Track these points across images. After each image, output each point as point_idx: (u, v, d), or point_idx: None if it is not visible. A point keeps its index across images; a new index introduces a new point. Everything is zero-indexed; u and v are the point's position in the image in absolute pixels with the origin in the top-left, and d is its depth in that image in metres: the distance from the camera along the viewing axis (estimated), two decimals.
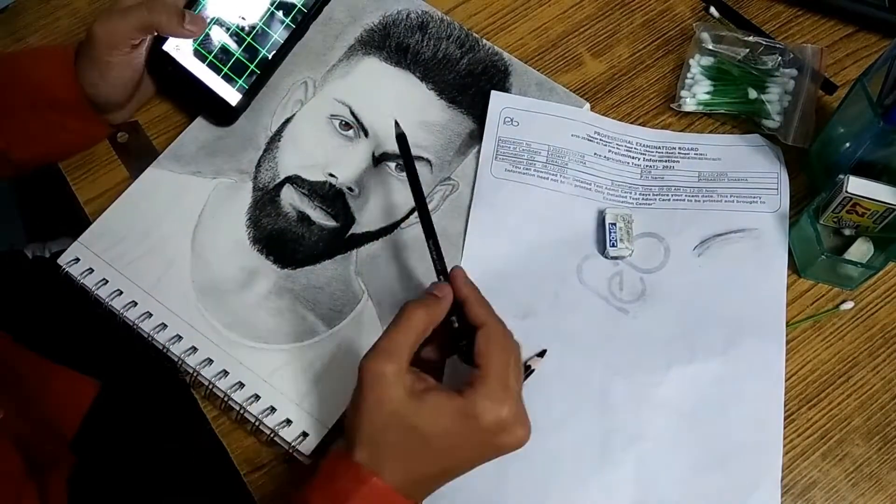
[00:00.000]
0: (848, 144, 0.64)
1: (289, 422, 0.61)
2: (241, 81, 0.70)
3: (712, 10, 0.76)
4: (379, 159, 0.69)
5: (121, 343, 0.65)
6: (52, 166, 0.71)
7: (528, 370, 0.62)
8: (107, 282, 0.65)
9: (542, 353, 0.63)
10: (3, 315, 0.72)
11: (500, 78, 0.72)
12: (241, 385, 0.62)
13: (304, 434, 0.60)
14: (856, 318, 0.65)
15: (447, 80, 0.72)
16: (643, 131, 0.71)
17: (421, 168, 0.69)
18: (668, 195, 0.68)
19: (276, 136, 0.70)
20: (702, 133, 0.71)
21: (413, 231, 0.67)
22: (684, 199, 0.68)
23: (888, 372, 0.64)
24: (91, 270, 0.66)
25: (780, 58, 0.71)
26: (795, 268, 0.66)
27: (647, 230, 0.67)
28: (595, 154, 0.70)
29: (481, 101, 0.71)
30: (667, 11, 0.77)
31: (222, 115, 0.70)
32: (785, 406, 0.61)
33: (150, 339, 0.64)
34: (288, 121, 0.71)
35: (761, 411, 0.61)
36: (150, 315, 0.64)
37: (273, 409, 0.61)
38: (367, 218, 0.67)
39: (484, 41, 0.73)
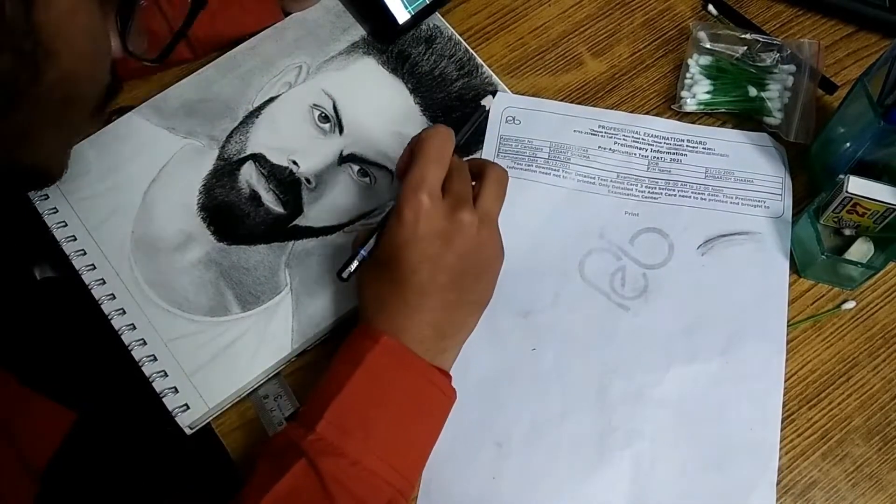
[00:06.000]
0: (848, 144, 0.64)
1: (175, 390, 0.61)
2: (412, 3, 0.71)
3: (710, 7, 0.75)
4: (345, 159, 0.69)
5: (105, 373, 0.64)
6: None
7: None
8: (57, 210, 0.67)
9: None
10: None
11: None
12: (144, 342, 0.63)
13: (186, 406, 0.61)
14: (856, 318, 0.65)
15: (435, 98, 0.71)
16: (651, 120, 0.71)
17: (382, 177, 0.68)
18: (674, 190, 0.68)
19: (256, 112, 0.71)
20: None
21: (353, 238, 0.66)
22: (690, 196, 0.68)
23: (888, 372, 0.63)
24: (46, 196, 0.68)
25: (777, 54, 0.71)
26: (796, 268, 0.66)
27: (652, 225, 0.67)
28: (599, 147, 0.70)
29: (460, 127, 0.69)
30: (667, 11, 0.76)
31: (386, 30, 0.71)
32: (785, 406, 0.62)
33: (79, 274, 0.65)
34: (272, 100, 0.71)
35: (759, 413, 0.61)
36: (84, 253, 0.66)
37: (165, 374, 0.62)
38: (315, 213, 0.67)
39: (485, 69, 0.72)
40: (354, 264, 0.58)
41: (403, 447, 0.55)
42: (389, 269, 0.56)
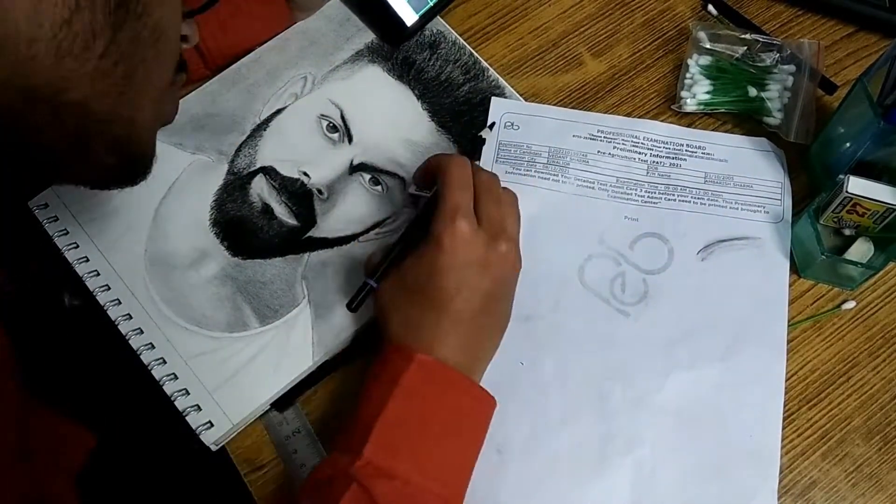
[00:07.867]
0: (848, 144, 0.64)
1: (198, 408, 0.61)
2: (417, 6, 0.69)
3: (710, 7, 0.75)
4: (356, 168, 0.69)
5: (124, 396, 0.64)
6: None
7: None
8: (67, 233, 0.67)
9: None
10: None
11: None
12: (164, 361, 0.62)
13: (210, 424, 0.60)
14: (856, 318, 0.65)
15: (443, 104, 0.71)
16: (650, 125, 0.71)
17: (394, 185, 0.68)
18: (673, 195, 0.68)
19: (263, 125, 0.71)
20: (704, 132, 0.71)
21: (370, 247, 0.66)
22: (690, 201, 0.68)
23: (888, 372, 0.63)
24: (56, 219, 0.67)
25: (777, 54, 0.71)
26: (796, 268, 0.66)
27: (652, 230, 0.67)
28: (598, 152, 0.69)
29: (469, 132, 0.70)
30: (667, 11, 0.77)
31: (394, 33, 0.70)
32: (785, 406, 0.61)
33: (93, 294, 0.65)
34: (279, 112, 0.71)
35: (760, 419, 0.61)
36: (98, 274, 0.65)
37: (187, 392, 0.61)
38: (329, 224, 0.67)
39: (491, 72, 0.72)
40: (363, 295, 0.59)
41: (449, 460, 0.55)
42: (424, 294, 0.56)
